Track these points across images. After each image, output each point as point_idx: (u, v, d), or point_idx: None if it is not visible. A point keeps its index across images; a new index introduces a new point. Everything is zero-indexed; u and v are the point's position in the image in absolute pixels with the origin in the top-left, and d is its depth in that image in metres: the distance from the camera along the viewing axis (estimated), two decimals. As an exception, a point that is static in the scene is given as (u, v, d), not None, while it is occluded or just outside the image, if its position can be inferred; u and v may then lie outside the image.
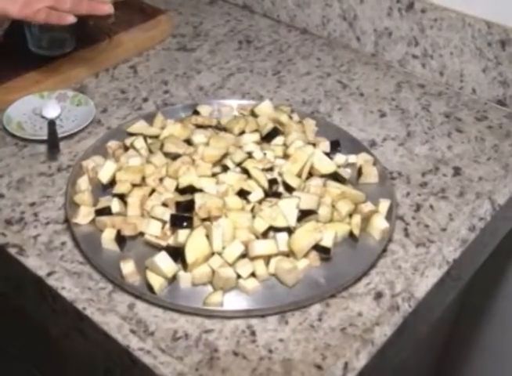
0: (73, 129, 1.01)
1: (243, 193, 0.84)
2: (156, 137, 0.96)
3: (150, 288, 0.76)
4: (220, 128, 0.99)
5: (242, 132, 0.97)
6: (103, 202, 0.85)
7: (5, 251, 0.82)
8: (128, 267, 0.77)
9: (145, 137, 0.95)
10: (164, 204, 0.84)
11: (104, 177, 0.89)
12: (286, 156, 0.92)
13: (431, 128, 1.05)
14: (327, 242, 0.80)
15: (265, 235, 0.81)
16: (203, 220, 0.81)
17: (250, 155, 0.91)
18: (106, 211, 0.84)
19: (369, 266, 0.81)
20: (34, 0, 0.98)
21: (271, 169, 0.89)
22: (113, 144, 0.96)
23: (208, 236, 0.79)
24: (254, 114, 1.01)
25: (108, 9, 0.99)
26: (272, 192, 0.86)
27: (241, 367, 0.70)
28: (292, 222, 0.81)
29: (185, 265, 0.77)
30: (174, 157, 0.91)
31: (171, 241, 0.80)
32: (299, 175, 0.89)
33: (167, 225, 0.82)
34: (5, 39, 1.12)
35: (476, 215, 0.89)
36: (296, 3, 1.28)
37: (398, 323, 0.75)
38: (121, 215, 0.83)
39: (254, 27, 1.31)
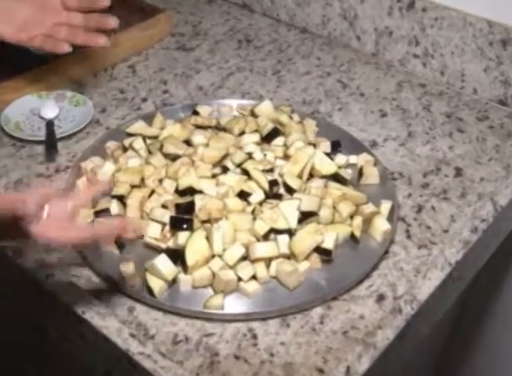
0: (71, 130, 1.00)
1: (243, 195, 0.84)
2: (155, 137, 0.96)
3: (150, 291, 0.75)
4: (220, 128, 0.99)
5: (242, 133, 0.96)
6: (102, 203, 0.84)
7: (3, 253, 0.81)
8: (127, 270, 0.76)
9: (144, 138, 0.95)
10: (164, 206, 0.83)
11: (103, 178, 0.88)
12: (286, 157, 0.92)
13: (432, 128, 1.04)
14: (328, 244, 0.80)
15: (265, 237, 0.80)
16: (204, 222, 0.81)
17: (250, 156, 0.90)
18: (105, 213, 0.83)
19: (370, 268, 0.80)
20: (31, 26, 0.98)
21: (271, 170, 0.89)
22: (111, 145, 0.95)
23: (208, 239, 0.78)
24: (253, 114, 1.00)
25: (103, 41, 0.98)
26: (272, 193, 0.85)
27: (242, 371, 0.69)
28: (293, 224, 0.81)
29: (185, 268, 0.77)
30: (174, 157, 0.90)
31: (170, 243, 0.80)
32: (300, 176, 0.88)
33: (167, 228, 0.81)
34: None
35: (478, 217, 0.88)
36: (296, 2, 1.27)
37: (401, 327, 0.75)
38: (121, 217, 0.83)
39: (253, 26, 1.30)
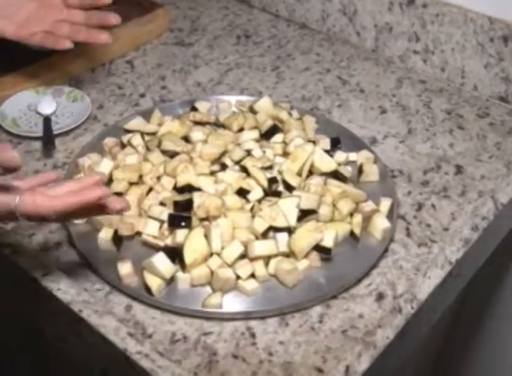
0: (68, 126, 0.99)
1: (242, 192, 0.83)
2: (153, 134, 0.95)
3: (148, 289, 0.74)
4: (218, 124, 0.98)
5: (241, 129, 0.96)
6: (100, 201, 0.83)
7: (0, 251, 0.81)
8: (125, 268, 0.76)
9: (142, 134, 0.94)
10: (162, 203, 0.83)
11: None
12: (285, 154, 0.91)
13: (433, 125, 1.03)
14: (328, 242, 0.79)
15: (264, 235, 0.79)
16: (202, 220, 0.80)
17: (249, 153, 0.90)
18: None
19: (370, 267, 0.79)
20: (32, 22, 0.98)
21: (270, 167, 0.88)
22: (109, 141, 0.95)
23: (207, 237, 0.78)
24: (252, 111, 0.99)
25: (106, 38, 0.97)
26: (271, 191, 0.84)
27: (241, 370, 0.69)
28: (292, 222, 0.80)
29: (183, 266, 0.76)
30: (172, 154, 0.89)
31: (168, 241, 0.79)
32: (299, 174, 0.87)
33: (165, 225, 0.80)
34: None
35: (479, 215, 0.87)
36: (295, -3, 1.26)
37: (401, 326, 0.74)
38: (118, 215, 0.82)
39: (252, 21, 1.30)
